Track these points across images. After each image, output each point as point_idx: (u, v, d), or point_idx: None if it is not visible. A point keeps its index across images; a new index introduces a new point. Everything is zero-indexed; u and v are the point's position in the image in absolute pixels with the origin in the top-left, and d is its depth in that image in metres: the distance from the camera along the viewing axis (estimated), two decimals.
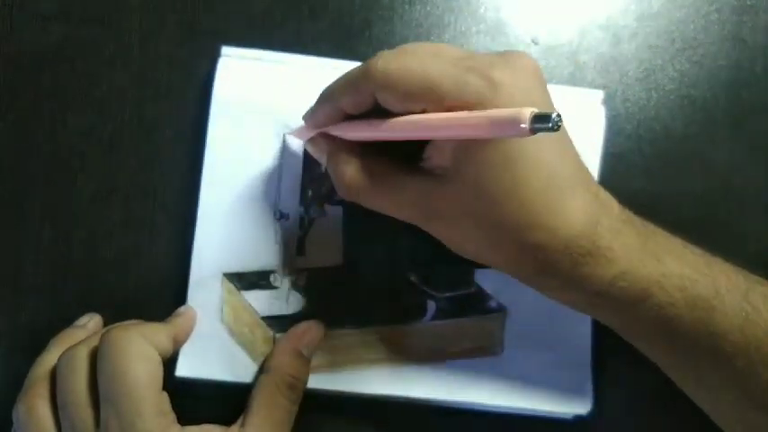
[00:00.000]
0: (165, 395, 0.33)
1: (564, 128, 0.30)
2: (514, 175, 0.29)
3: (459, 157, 0.30)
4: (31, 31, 0.40)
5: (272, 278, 0.39)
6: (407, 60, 0.29)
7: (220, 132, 0.39)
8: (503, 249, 0.31)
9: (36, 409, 0.33)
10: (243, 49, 0.40)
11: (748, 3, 0.43)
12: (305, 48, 0.40)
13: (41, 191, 0.40)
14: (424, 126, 0.29)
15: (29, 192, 0.39)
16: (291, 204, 0.39)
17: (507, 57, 0.30)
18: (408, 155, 0.32)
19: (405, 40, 0.41)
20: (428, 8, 0.42)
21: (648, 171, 0.41)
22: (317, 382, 0.38)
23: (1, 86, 0.40)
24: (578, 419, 0.39)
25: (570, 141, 0.31)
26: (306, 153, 0.39)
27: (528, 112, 0.24)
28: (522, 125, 0.24)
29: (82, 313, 0.38)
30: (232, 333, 0.38)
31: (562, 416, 0.39)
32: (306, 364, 0.36)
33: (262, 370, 0.36)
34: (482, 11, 0.42)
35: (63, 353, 0.33)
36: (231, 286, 0.38)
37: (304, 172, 0.39)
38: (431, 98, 0.29)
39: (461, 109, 0.28)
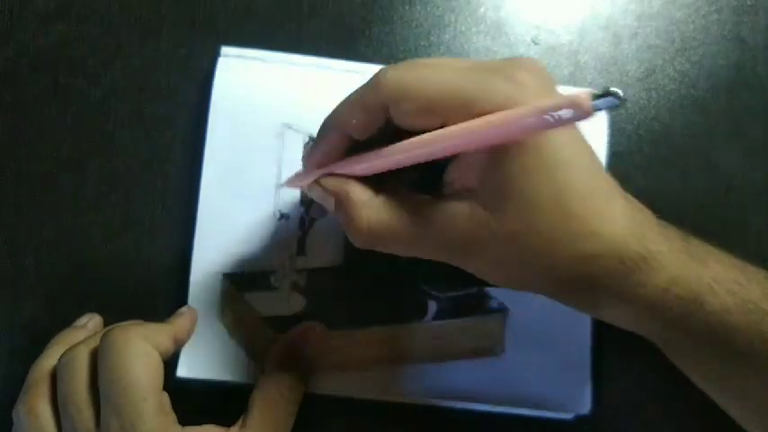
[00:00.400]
0: (165, 395, 0.33)
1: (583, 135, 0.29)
2: (556, 181, 0.27)
3: (491, 171, 0.27)
4: (31, 31, 0.40)
5: (272, 279, 0.39)
6: (423, 70, 0.27)
7: (220, 132, 0.39)
8: (550, 268, 0.28)
9: (36, 410, 0.33)
10: (242, 49, 0.40)
11: (748, 3, 0.43)
12: (305, 48, 0.40)
13: (41, 191, 0.40)
14: (460, 135, 0.26)
15: (29, 192, 0.39)
16: (291, 204, 0.39)
17: (516, 60, 0.28)
18: (423, 186, 0.30)
19: (405, 41, 0.41)
20: (428, 8, 0.42)
21: (648, 171, 0.41)
22: (318, 382, 0.38)
23: (1, 86, 0.40)
24: (578, 419, 0.39)
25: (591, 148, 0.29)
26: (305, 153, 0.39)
27: (587, 92, 0.22)
28: (585, 104, 0.22)
29: (82, 313, 0.38)
30: (232, 334, 0.38)
31: (562, 416, 0.39)
32: (306, 364, 0.36)
33: (262, 371, 0.36)
34: (482, 11, 0.42)
35: (63, 354, 0.33)
36: (231, 287, 0.38)
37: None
38: (454, 106, 0.26)
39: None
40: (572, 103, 0.23)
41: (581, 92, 0.22)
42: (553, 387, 0.38)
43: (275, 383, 0.35)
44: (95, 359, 0.32)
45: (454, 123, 0.26)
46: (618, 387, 0.39)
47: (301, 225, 0.39)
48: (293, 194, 0.39)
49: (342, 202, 0.29)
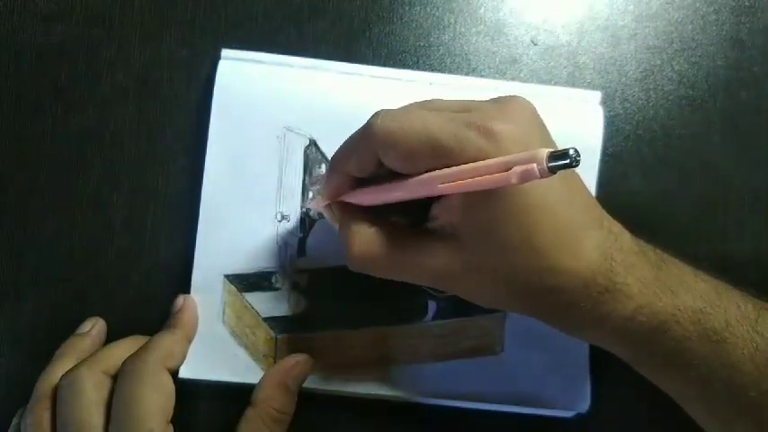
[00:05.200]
0: (170, 428, 0.33)
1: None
2: (526, 224, 0.29)
3: (468, 213, 0.30)
4: (32, 31, 0.40)
5: (273, 279, 0.39)
6: (407, 118, 0.29)
7: (221, 134, 0.39)
8: (522, 296, 0.31)
9: (42, 424, 0.33)
10: (243, 52, 0.40)
11: (746, 4, 0.43)
12: (305, 49, 0.40)
13: (43, 191, 0.40)
14: (435, 180, 0.29)
15: (30, 192, 0.40)
16: (292, 206, 0.39)
17: (503, 104, 0.30)
18: (415, 220, 0.33)
19: (405, 42, 0.41)
20: (428, 9, 0.42)
21: (647, 171, 0.42)
22: (318, 382, 0.38)
23: (2, 86, 0.40)
24: (577, 418, 0.39)
25: (578, 177, 0.31)
26: (306, 155, 0.39)
27: (544, 153, 0.24)
28: (538, 166, 0.24)
29: (82, 314, 0.39)
30: (234, 334, 0.38)
31: (561, 414, 0.39)
32: (292, 397, 0.36)
33: (249, 402, 0.36)
34: (482, 12, 0.42)
35: (65, 375, 0.34)
36: (232, 288, 0.38)
37: (305, 173, 0.39)
38: (433, 155, 0.29)
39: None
40: (528, 161, 0.25)
41: (541, 151, 0.24)
42: (552, 386, 0.39)
43: (261, 417, 0.35)
44: (96, 381, 0.33)
45: (433, 170, 0.29)
46: (617, 386, 0.39)
47: (302, 226, 0.39)
48: (294, 196, 0.39)
49: (342, 229, 0.33)
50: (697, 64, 0.42)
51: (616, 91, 0.42)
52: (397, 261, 0.32)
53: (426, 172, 0.29)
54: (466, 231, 0.30)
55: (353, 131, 0.32)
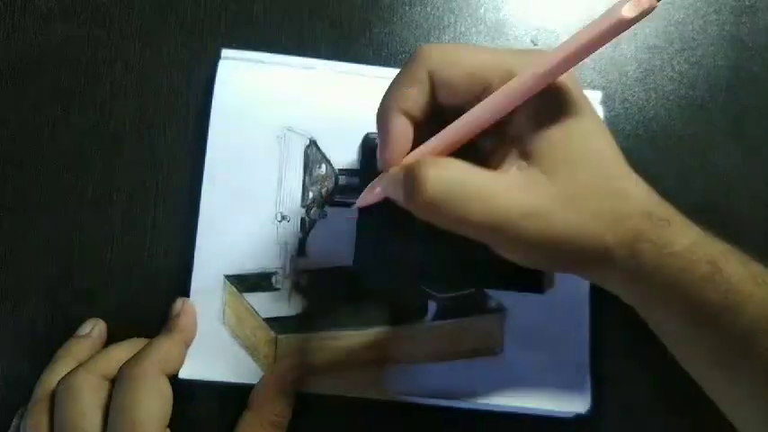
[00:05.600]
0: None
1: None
2: (596, 145, 0.30)
3: (540, 131, 0.29)
4: (32, 31, 0.40)
5: (273, 280, 0.39)
6: (460, 45, 0.31)
7: (221, 134, 0.39)
8: (593, 224, 0.29)
9: (40, 427, 0.33)
10: (243, 52, 0.40)
11: (747, 4, 0.43)
12: (305, 50, 0.40)
13: (43, 191, 0.40)
14: (546, 60, 0.27)
15: (30, 192, 0.40)
16: (292, 206, 0.39)
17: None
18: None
19: (405, 42, 0.41)
20: (428, 9, 0.42)
21: (647, 171, 0.41)
22: (318, 382, 0.38)
23: (2, 86, 0.40)
24: (577, 418, 0.39)
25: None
26: (306, 155, 0.39)
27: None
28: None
29: (82, 314, 0.38)
30: (234, 335, 0.38)
31: (561, 415, 0.39)
32: (289, 400, 0.36)
33: (247, 407, 0.36)
34: (482, 12, 0.42)
35: (62, 379, 0.34)
36: (232, 288, 0.38)
37: (305, 173, 0.39)
38: (496, 72, 0.29)
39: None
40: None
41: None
42: (552, 386, 0.39)
43: (259, 421, 0.35)
44: (94, 385, 0.33)
45: (493, 90, 0.29)
46: (617, 386, 0.39)
47: (302, 226, 0.39)
48: (294, 196, 0.39)
49: (412, 167, 0.29)
50: (697, 64, 0.42)
51: (616, 91, 0.42)
52: (484, 189, 0.28)
53: (484, 96, 0.29)
54: (540, 151, 0.29)
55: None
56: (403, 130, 0.31)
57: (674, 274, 0.30)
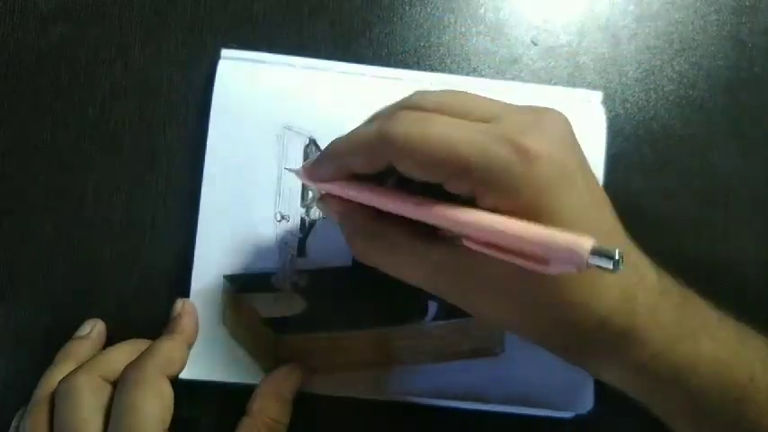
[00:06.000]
0: None
1: (601, 188, 0.29)
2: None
3: None
4: (32, 31, 0.40)
5: (273, 280, 0.39)
6: (430, 127, 0.27)
7: (221, 134, 0.39)
8: (533, 324, 0.29)
9: (41, 427, 0.33)
10: (243, 52, 0.40)
11: (747, 4, 0.43)
12: (305, 49, 0.40)
13: (42, 191, 0.40)
14: (462, 227, 0.26)
15: (30, 192, 0.40)
16: (292, 206, 0.39)
17: (537, 116, 0.27)
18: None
19: (405, 42, 0.41)
20: (428, 9, 0.42)
21: (647, 171, 0.42)
22: (318, 382, 0.38)
23: (2, 86, 0.40)
24: (579, 419, 0.39)
25: (607, 202, 0.29)
26: (306, 154, 0.39)
27: (588, 247, 0.22)
28: (580, 261, 0.22)
29: (82, 314, 0.38)
30: (234, 335, 0.38)
31: (562, 415, 0.39)
32: (287, 406, 0.36)
33: (245, 412, 0.36)
34: (482, 12, 0.42)
35: (62, 380, 0.34)
36: (232, 288, 0.38)
37: None
38: (455, 169, 0.26)
39: (488, 183, 0.26)
40: (569, 251, 0.23)
41: (585, 243, 0.22)
42: (553, 386, 0.39)
43: (256, 427, 0.35)
44: (94, 387, 0.33)
45: (454, 184, 0.27)
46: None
47: (302, 226, 0.39)
48: (294, 196, 0.39)
49: (343, 219, 0.31)
50: (697, 64, 0.42)
51: (616, 91, 0.42)
52: (401, 263, 0.30)
53: (447, 186, 0.27)
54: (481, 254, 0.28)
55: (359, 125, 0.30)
56: (334, 174, 0.31)
57: (626, 382, 0.29)
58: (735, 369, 0.28)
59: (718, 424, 0.28)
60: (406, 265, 0.30)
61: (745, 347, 0.29)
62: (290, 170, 0.36)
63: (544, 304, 0.28)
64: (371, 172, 0.29)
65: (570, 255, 0.22)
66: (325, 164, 0.31)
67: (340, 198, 0.31)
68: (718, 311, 0.30)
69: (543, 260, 0.24)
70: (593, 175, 0.29)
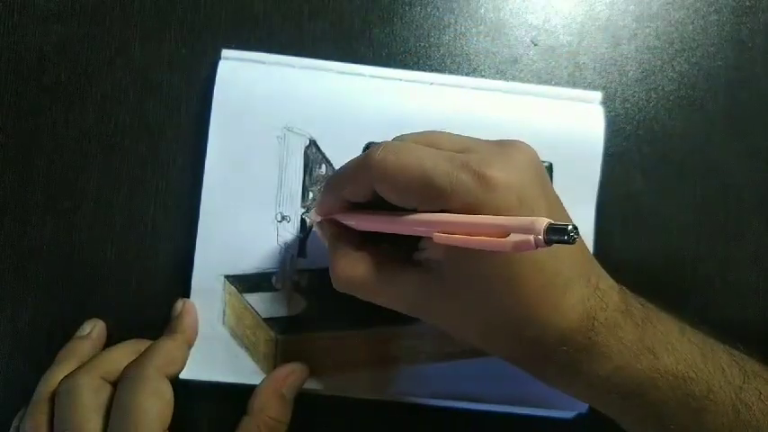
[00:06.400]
0: None
1: (566, 215, 0.31)
2: (512, 274, 0.28)
3: (453, 255, 0.29)
4: (32, 31, 0.40)
5: (273, 280, 0.39)
6: (405, 153, 0.29)
7: (221, 135, 0.39)
8: (499, 342, 0.31)
9: (41, 428, 0.33)
10: (243, 52, 0.40)
11: (747, 4, 0.43)
12: (305, 50, 0.40)
13: (42, 191, 0.40)
14: (431, 226, 0.28)
15: (30, 192, 0.40)
16: (292, 206, 0.39)
17: (504, 148, 0.30)
18: (404, 248, 0.33)
19: (405, 42, 0.41)
20: (428, 9, 0.42)
21: (647, 171, 0.42)
22: (318, 383, 0.38)
23: (2, 86, 0.40)
24: (577, 418, 0.39)
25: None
26: (306, 155, 0.39)
27: (543, 224, 0.23)
28: (535, 237, 0.23)
29: (83, 314, 0.39)
30: (234, 335, 0.38)
31: (561, 415, 0.39)
32: (288, 405, 0.36)
33: (246, 412, 0.36)
34: (482, 12, 0.42)
35: (62, 380, 0.34)
36: (233, 288, 0.38)
37: (305, 174, 0.39)
38: (425, 194, 0.29)
39: (455, 209, 0.28)
40: (526, 230, 0.24)
41: (540, 221, 0.24)
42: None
43: (257, 425, 0.35)
44: (95, 387, 0.33)
45: (426, 208, 0.29)
46: None
47: (302, 227, 0.39)
48: (294, 196, 0.39)
49: (330, 248, 0.33)
50: (697, 64, 0.42)
51: (616, 91, 0.42)
52: (378, 288, 0.32)
53: (420, 208, 0.29)
54: (451, 271, 0.30)
55: (352, 155, 0.33)
56: (335, 204, 0.34)
57: (589, 395, 0.31)
58: (693, 382, 0.30)
59: None
60: (381, 290, 0.32)
61: (705, 361, 0.30)
62: (308, 217, 0.39)
63: (508, 323, 0.29)
64: (362, 199, 0.32)
65: (529, 228, 0.24)
66: (327, 196, 0.34)
67: (336, 223, 0.34)
68: (683, 325, 0.32)
69: (503, 238, 0.25)
70: (558, 203, 0.31)
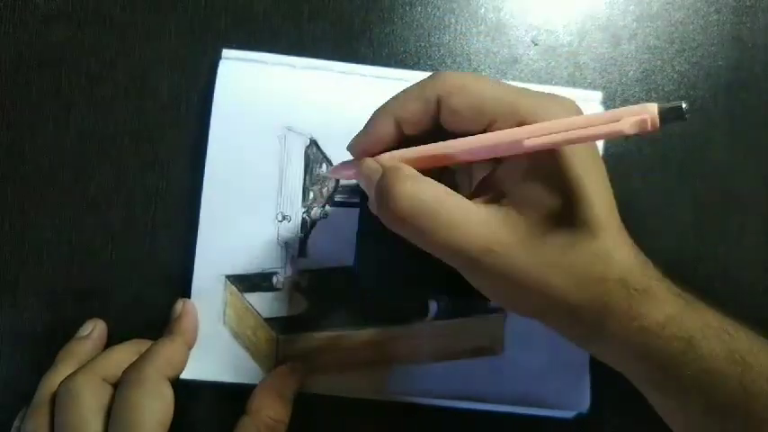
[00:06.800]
0: None
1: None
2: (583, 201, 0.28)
3: (526, 185, 0.28)
4: (32, 31, 0.40)
5: (274, 280, 0.39)
6: (478, 77, 0.30)
7: (222, 135, 0.39)
8: (565, 284, 0.28)
9: (42, 429, 0.33)
10: (243, 52, 0.40)
11: (747, 4, 0.43)
12: (305, 50, 0.40)
13: (43, 192, 0.40)
14: (522, 134, 0.27)
15: (30, 192, 0.40)
16: (293, 206, 0.39)
17: (552, 96, 0.30)
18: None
19: (405, 42, 0.41)
20: (428, 9, 0.42)
21: (648, 171, 0.42)
22: (318, 382, 0.38)
23: (2, 87, 0.40)
24: (577, 418, 0.39)
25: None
26: (306, 155, 0.39)
27: (655, 105, 0.24)
28: (651, 116, 0.24)
29: (83, 314, 0.38)
30: (235, 335, 0.38)
31: (561, 415, 0.39)
32: (287, 405, 0.36)
33: (244, 411, 0.36)
34: (482, 12, 0.42)
35: (63, 381, 0.34)
36: (233, 288, 0.38)
37: (305, 173, 0.39)
38: (503, 111, 0.28)
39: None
40: (638, 113, 0.24)
41: (649, 105, 0.24)
42: (553, 386, 0.39)
43: (256, 426, 0.35)
44: (95, 388, 0.33)
45: (498, 128, 0.28)
46: (617, 386, 0.39)
47: (303, 227, 0.39)
48: (294, 196, 0.39)
49: (389, 172, 0.29)
50: (698, 64, 0.42)
51: (617, 91, 0.42)
52: (451, 216, 0.28)
53: (491, 128, 0.28)
54: (525, 200, 0.28)
55: (369, 117, 0.31)
56: (386, 129, 0.31)
57: (643, 348, 0.29)
58: (736, 339, 0.29)
59: (725, 395, 0.28)
60: (455, 219, 0.28)
61: (736, 327, 0.30)
62: (331, 172, 0.37)
63: (577, 255, 0.28)
64: (418, 125, 0.30)
65: (641, 113, 0.24)
66: (377, 120, 0.31)
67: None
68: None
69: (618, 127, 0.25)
70: None
